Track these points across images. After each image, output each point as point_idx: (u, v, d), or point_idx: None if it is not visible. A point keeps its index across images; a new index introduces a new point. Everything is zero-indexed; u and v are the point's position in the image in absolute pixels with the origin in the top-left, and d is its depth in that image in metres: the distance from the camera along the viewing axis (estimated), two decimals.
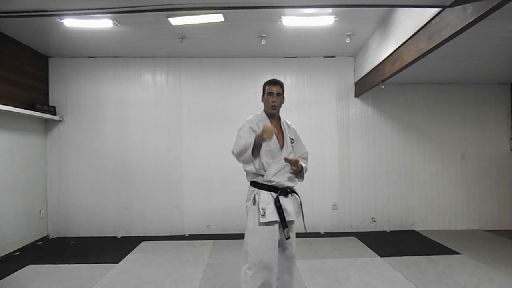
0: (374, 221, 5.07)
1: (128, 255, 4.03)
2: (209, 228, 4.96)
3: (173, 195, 4.98)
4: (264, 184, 2.24)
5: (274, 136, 2.27)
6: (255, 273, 2.12)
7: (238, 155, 2.22)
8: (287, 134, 2.36)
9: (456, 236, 4.74)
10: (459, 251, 4.01)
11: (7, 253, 4.02)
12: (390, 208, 5.08)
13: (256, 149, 2.17)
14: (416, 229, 5.07)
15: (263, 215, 2.15)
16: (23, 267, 3.59)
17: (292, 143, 2.36)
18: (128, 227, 4.94)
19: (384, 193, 5.08)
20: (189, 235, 4.90)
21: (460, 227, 5.12)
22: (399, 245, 4.33)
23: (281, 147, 2.29)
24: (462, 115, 5.18)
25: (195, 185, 4.98)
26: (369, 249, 4.15)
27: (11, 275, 3.39)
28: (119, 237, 4.88)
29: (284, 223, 2.20)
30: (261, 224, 2.16)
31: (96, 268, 3.57)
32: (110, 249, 4.30)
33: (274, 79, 2.38)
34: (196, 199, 4.98)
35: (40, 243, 4.59)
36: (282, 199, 2.23)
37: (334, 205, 5.05)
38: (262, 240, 2.16)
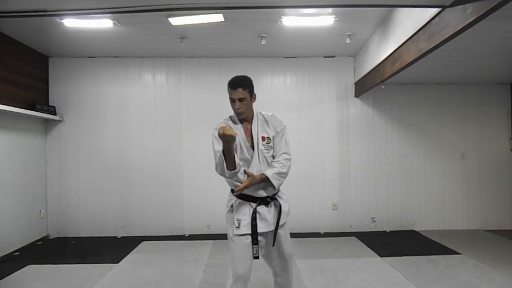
0: (374, 221, 5.07)
1: (128, 255, 4.03)
2: (209, 228, 4.96)
3: (173, 195, 4.98)
4: (243, 194, 2.05)
5: (247, 142, 2.05)
6: (231, 284, 2.01)
7: (222, 175, 1.97)
8: (259, 134, 2.07)
9: (456, 236, 4.74)
10: (459, 251, 4.01)
11: (7, 253, 4.02)
12: (390, 208, 5.08)
13: (229, 159, 1.87)
14: (416, 229, 5.07)
15: (238, 227, 2.02)
16: (23, 267, 3.59)
17: (268, 143, 2.08)
18: (128, 227, 4.94)
19: (384, 193, 5.08)
20: (189, 235, 4.90)
21: (460, 227, 5.12)
22: (399, 245, 4.33)
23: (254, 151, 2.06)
24: (462, 115, 5.18)
25: (195, 185, 4.98)
26: (369, 249, 4.15)
27: (11, 275, 3.39)
28: (119, 237, 4.88)
29: (254, 238, 2.00)
30: (235, 235, 2.04)
31: (96, 268, 3.57)
32: (110, 249, 4.30)
33: (235, 81, 2.01)
34: (196, 199, 4.98)
35: (40, 243, 4.59)
36: (261, 208, 2.05)
37: (334, 205, 5.05)
38: (236, 251, 2.04)
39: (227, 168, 1.88)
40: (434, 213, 5.12)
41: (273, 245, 2.12)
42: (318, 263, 3.67)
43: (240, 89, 2.00)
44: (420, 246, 4.30)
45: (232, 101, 2.04)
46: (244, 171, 1.98)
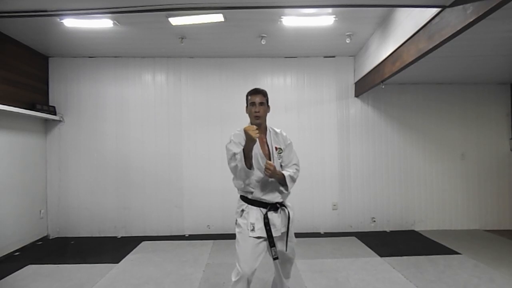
0: (374, 221, 5.07)
1: (128, 255, 4.03)
2: (209, 228, 4.96)
3: (173, 195, 4.98)
4: (254, 200, 2.23)
5: (261, 151, 2.21)
6: (235, 283, 2.13)
7: (240, 174, 2.11)
8: (273, 145, 2.28)
9: (456, 236, 4.74)
10: (459, 251, 4.01)
11: (7, 253, 4.02)
12: (390, 208, 5.08)
13: (248, 159, 2.05)
14: (416, 229, 5.07)
15: (253, 230, 2.16)
16: (23, 267, 3.59)
17: (280, 153, 2.28)
18: (128, 227, 4.94)
19: (384, 193, 5.08)
20: (189, 235, 4.90)
21: (460, 227, 5.12)
22: (399, 245, 4.33)
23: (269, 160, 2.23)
24: (462, 115, 5.18)
25: (195, 184, 4.98)
26: (369, 249, 4.15)
27: (11, 275, 3.39)
28: (119, 237, 4.88)
29: (271, 241, 2.17)
30: (250, 237, 2.16)
31: (96, 268, 3.57)
32: (110, 249, 4.30)
33: (256, 88, 2.30)
34: (196, 199, 4.98)
35: (40, 243, 4.59)
36: (271, 214, 2.21)
37: (334, 205, 5.05)
38: (246, 251, 2.15)
39: (245, 166, 2.04)
40: (434, 213, 5.12)
41: (286, 250, 2.31)
42: (318, 263, 3.67)
43: (261, 95, 2.26)
44: (420, 246, 4.29)
45: (252, 104, 2.24)
46: (266, 162, 2.14)
